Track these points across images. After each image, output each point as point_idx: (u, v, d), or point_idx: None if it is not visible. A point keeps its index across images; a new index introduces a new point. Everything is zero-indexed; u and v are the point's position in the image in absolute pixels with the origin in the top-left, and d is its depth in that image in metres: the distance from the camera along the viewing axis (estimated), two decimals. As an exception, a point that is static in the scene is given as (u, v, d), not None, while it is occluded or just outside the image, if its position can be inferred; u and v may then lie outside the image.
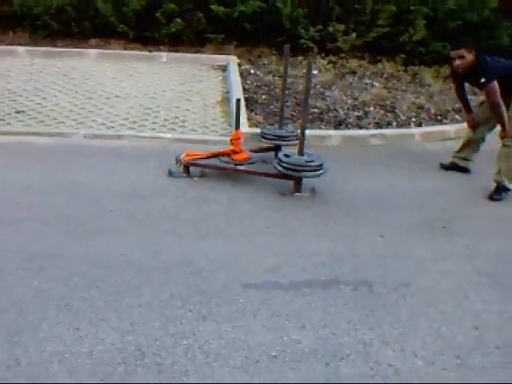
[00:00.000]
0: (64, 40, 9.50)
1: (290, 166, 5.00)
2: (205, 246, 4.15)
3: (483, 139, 5.70)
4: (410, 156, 6.21)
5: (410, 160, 6.06)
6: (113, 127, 6.31)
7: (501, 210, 5.12)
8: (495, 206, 5.19)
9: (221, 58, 8.97)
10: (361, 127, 6.70)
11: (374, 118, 6.93)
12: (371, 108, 7.21)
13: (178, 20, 9.19)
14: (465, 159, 5.80)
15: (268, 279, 3.77)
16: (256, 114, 6.75)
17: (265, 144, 5.76)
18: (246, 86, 7.69)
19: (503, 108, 5.15)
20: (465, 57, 5.11)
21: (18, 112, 6.65)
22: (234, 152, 5.36)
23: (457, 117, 7.22)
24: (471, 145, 5.76)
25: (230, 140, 5.48)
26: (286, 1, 9.14)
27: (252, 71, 8.40)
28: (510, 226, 4.83)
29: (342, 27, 9.20)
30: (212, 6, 9.22)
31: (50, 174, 5.21)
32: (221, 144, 5.92)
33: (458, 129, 6.79)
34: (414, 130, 6.82)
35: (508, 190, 5.34)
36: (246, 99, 7.09)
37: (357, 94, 7.69)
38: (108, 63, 8.70)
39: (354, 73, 8.66)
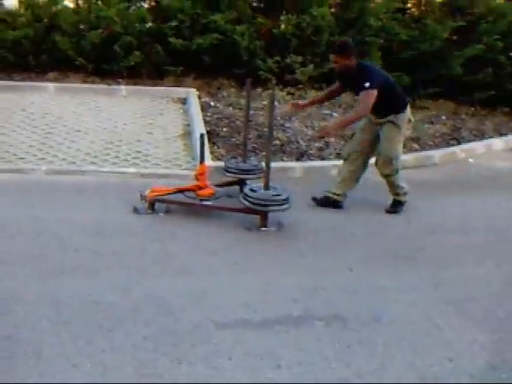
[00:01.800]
0: (21, 73, 9.40)
1: (256, 201, 5.00)
2: (174, 284, 4.13)
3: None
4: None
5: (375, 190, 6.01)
6: (74, 162, 6.25)
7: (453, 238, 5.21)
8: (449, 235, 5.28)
9: (180, 91, 8.99)
10: (323, 158, 6.77)
11: (335, 149, 7.01)
12: (331, 139, 7.29)
13: (137, 53, 9.20)
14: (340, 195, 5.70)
15: (240, 316, 3.76)
16: (218, 148, 6.77)
17: (229, 178, 5.76)
18: (207, 119, 7.71)
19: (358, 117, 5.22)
20: (338, 62, 5.16)
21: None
22: (199, 187, 5.34)
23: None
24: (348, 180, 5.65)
25: (195, 175, 5.46)
26: (244, 33, 9.24)
27: (212, 103, 8.44)
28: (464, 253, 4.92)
29: (299, 59, 9.34)
30: (170, 39, 9.26)
31: (10, 211, 5.12)
32: (185, 178, 5.92)
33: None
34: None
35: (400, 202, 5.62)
36: (208, 132, 7.10)
37: (317, 124, 7.78)
38: (67, 97, 8.62)
39: (312, 104, 8.77)
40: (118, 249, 4.59)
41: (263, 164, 5.55)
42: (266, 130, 7.38)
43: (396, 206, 5.62)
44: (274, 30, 9.46)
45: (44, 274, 4.16)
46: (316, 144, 7.11)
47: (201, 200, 5.31)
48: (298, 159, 6.75)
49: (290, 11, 9.49)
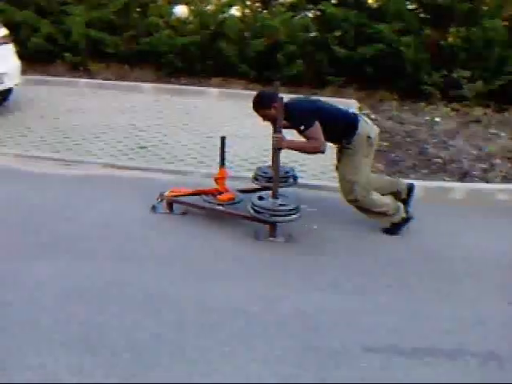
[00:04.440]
0: (187, 78, 9.77)
1: (260, 210, 4.76)
2: (321, 300, 4.02)
3: None
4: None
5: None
6: (231, 167, 6.32)
7: None
8: None
9: (341, 102, 8.85)
10: (487, 180, 6.37)
11: (501, 171, 6.57)
12: (497, 160, 6.86)
13: (299, 61, 9.23)
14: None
15: (389, 342, 3.57)
16: (378, 163, 6.56)
17: (256, 185, 5.50)
18: (366, 132, 7.52)
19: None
20: (266, 114, 4.90)
21: (141, 148, 6.83)
22: (219, 192, 5.19)
23: None
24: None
25: (215, 179, 5.29)
26: (410, 45, 8.96)
27: (372, 116, 8.24)
28: None
29: (467, 73, 8.89)
30: (333, 48, 9.20)
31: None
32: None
33: None
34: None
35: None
36: (367, 145, 6.93)
37: (482, 144, 7.35)
38: (229, 102, 8.83)
39: (478, 121, 8.31)
40: (263, 257, 4.58)
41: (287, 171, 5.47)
42: (427, 146, 7.13)
43: (392, 229, 5.10)
44: (441, 43, 9.11)
45: (194, 276, 4.24)
46: (481, 165, 6.70)
47: (218, 204, 5.13)
48: (460, 180, 6.39)
49: (459, 23, 9.10)
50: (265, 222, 4.83)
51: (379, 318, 3.82)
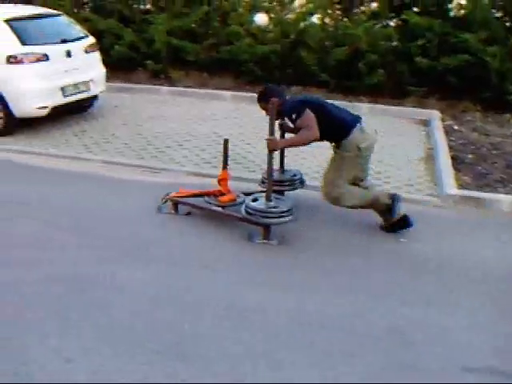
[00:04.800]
0: (265, 86, 9.78)
1: (252, 211, 4.79)
2: (416, 316, 3.92)
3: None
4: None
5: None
6: (312, 178, 6.27)
7: None
8: None
9: (422, 112, 8.72)
10: None
11: None
12: None
13: (380, 71, 9.11)
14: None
15: (488, 363, 3.44)
16: (464, 175, 6.38)
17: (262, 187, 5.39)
18: (451, 144, 7.34)
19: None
20: (265, 108, 5.01)
21: (224, 156, 6.86)
22: (221, 193, 5.22)
23: None
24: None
25: (218, 180, 5.32)
26: (496, 55, 8.71)
27: (456, 127, 8.06)
28: None
29: (555, 84, 8.59)
30: (416, 58, 9.04)
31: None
32: (426, 204, 5.73)
33: None
34: None
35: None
36: (452, 158, 6.76)
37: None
38: (308, 111, 8.79)
39: None
40: (359, 269, 4.50)
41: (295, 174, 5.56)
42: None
43: (395, 225, 5.06)
44: (529, 53, 8.82)
45: (289, 289, 4.21)
46: None
47: (219, 206, 5.15)
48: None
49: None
50: (257, 223, 4.84)
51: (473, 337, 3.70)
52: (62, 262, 4.52)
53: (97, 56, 8.49)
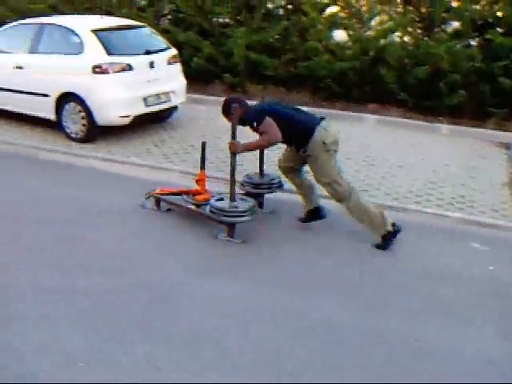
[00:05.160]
0: (342, 103, 9.72)
1: (214, 210, 5.11)
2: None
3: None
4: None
5: None
6: (397, 199, 6.17)
7: None
8: None
9: (504, 135, 8.49)
10: None
11: None
12: None
13: (462, 92, 8.92)
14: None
15: None
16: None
17: (241, 191, 5.74)
18: (535, 168, 7.14)
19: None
20: (229, 119, 5.19)
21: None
22: (198, 192, 5.54)
23: None
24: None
25: (196, 181, 5.65)
26: None
27: (542, 151, 7.82)
28: None
29: None
30: (500, 79, 8.81)
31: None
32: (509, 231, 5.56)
33: None
34: None
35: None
36: (537, 183, 6.57)
37: None
38: (386, 130, 8.70)
39: None
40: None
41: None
42: None
43: (383, 244, 5.12)
44: None
45: (365, 307, 4.18)
46: None
47: (193, 204, 5.47)
48: None
49: None
50: (219, 221, 5.14)
51: None
52: (147, 270, 4.60)
53: (178, 67, 8.62)
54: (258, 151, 5.77)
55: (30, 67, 8.17)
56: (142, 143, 7.87)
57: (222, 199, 5.24)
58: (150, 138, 8.11)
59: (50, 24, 8.41)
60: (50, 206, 5.80)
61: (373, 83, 9.67)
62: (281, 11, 11.09)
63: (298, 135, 5.10)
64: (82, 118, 7.79)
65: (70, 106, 7.84)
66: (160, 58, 8.21)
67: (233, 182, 5.12)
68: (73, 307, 4.03)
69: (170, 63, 8.38)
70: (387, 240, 5.09)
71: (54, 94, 7.91)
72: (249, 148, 5.28)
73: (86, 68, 7.61)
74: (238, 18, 10.93)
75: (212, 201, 5.25)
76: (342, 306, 4.18)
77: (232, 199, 5.13)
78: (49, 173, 6.79)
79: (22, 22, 8.83)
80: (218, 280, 4.48)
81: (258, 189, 5.78)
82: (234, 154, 5.10)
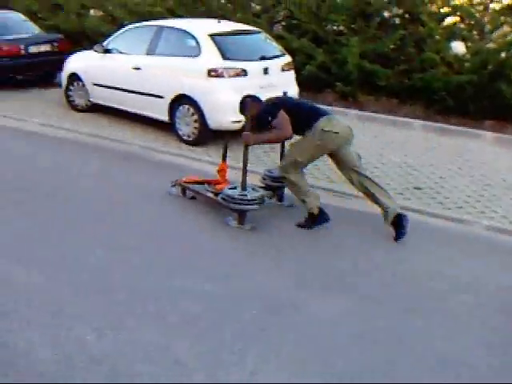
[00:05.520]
0: (457, 118, 9.37)
1: (225, 197, 5.43)
2: None
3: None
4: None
5: None
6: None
7: None
8: None
9: None
10: None
11: None
12: None
13: None
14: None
15: None
16: None
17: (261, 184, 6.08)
18: None
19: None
20: (248, 116, 5.41)
21: (416, 188, 6.62)
22: (218, 182, 5.93)
23: None
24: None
25: (217, 171, 6.07)
26: None
27: None
28: None
29: None
30: None
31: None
32: None
33: None
34: None
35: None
36: None
37: None
38: (504, 148, 8.29)
39: None
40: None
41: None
42: None
43: (306, 221, 5.55)
44: None
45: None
46: None
47: (212, 192, 5.77)
48: None
49: None
50: (230, 208, 5.44)
51: None
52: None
53: (292, 75, 8.58)
54: (279, 144, 6.11)
55: (147, 69, 8.38)
56: (252, 149, 7.83)
57: (234, 188, 5.53)
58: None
59: (168, 27, 8.60)
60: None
61: (491, 98, 9.26)
62: (397, 20, 10.84)
63: (305, 123, 5.36)
64: (195, 121, 7.91)
65: (184, 108, 7.98)
66: (274, 65, 8.20)
67: (244, 172, 5.43)
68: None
69: (283, 70, 8.36)
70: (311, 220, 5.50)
71: (169, 96, 8.07)
72: (260, 141, 5.61)
73: (201, 71, 7.72)
74: (353, 26, 10.76)
75: (225, 189, 5.57)
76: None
77: (243, 188, 5.43)
78: (160, 172, 6.92)
79: (141, 24, 9.07)
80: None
81: (278, 182, 5.97)
82: (246, 146, 5.42)
